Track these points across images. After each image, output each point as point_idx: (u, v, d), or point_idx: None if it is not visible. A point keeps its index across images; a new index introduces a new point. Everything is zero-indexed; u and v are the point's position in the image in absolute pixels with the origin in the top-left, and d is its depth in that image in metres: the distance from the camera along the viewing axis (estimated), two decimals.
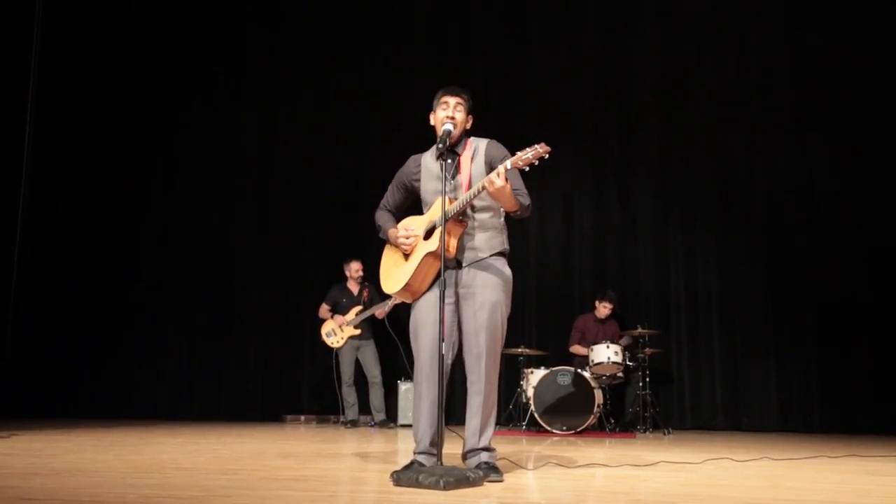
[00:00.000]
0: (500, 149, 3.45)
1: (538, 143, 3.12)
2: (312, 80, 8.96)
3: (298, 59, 8.99)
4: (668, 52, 8.29)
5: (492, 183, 3.12)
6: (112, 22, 9.13)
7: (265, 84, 8.99)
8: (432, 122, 3.48)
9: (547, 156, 3.11)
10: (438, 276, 3.32)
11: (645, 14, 8.39)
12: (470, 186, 3.34)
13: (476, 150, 3.45)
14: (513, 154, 3.22)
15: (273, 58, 9.01)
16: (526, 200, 3.36)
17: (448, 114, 3.38)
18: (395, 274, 3.48)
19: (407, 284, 3.38)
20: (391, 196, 3.65)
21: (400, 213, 3.66)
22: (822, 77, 7.86)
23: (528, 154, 3.12)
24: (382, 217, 3.63)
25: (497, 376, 3.38)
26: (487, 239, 3.40)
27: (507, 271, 3.45)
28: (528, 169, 3.16)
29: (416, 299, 3.43)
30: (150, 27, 9.18)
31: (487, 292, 3.34)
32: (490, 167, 3.35)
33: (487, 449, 3.33)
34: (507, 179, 3.14)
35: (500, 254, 3.44)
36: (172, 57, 9.08)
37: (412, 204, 3.66)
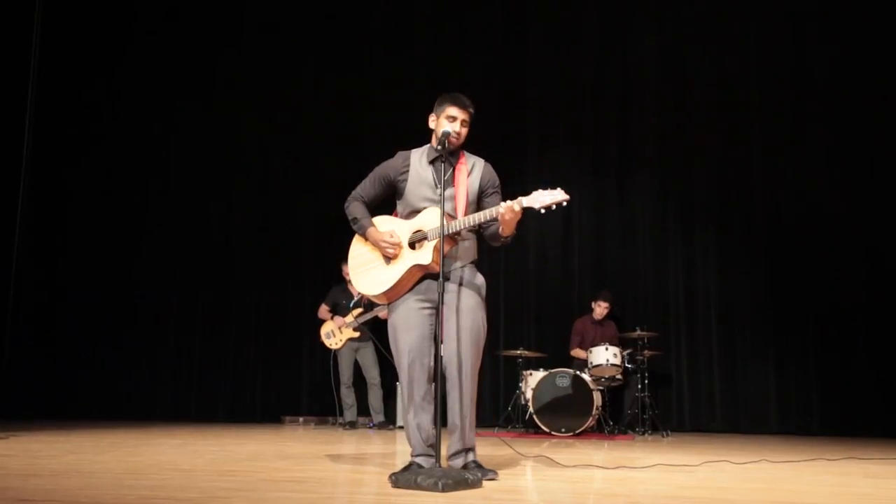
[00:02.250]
0: (493, 176, 3.51)
1: (556, 188, 3.19)
2: (311, 81, 8.96)
3: (297, 60, 8.99)
4: (668, 53, 8.29)
5: (511, 210, 3.17)
6: (110, 25, 9.14)
7: (264, 85, 8.98)
8: (431, 125, 3.46)
9: (565, 204, 3.19)
10: (418, 283, 3.37)
11: (645, 14, 8.39)
12: (467, 202, 3.38)
13: (474, 167, 3.47)
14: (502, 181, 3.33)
15: (271, 58, 9.00)
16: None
17: (455, 129, 3.38)
18: (371, 274, 3.45)
19: (387, 290, 3.38)
20: (371, 188, 3.55)
21: (374, 206, 3.59)
22: (823, 79, 7.86)
23: (547, 199, 3.19)
24: (359, 209, 3.54)
25: (477, 378, 3.40)
26: (465, 249, 3.44)
27: (481, 277, 3.49)
28: (543, 212, 3.21)
29: (390, 302, 3.44)
30: (147, 29, 9.18)
31: (467, 299, 3.37)
32: (481, 191, 3.43)
33: (472, 448, 3.38)
34: (522, 211, 3.21)
35: (473, 262, 3.49)
36: (171, 58, 9.08)
37: (387, 199, 3.60)
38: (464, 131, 3.40)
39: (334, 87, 8.83)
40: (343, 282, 7.74)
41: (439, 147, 3.32)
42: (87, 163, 8.98)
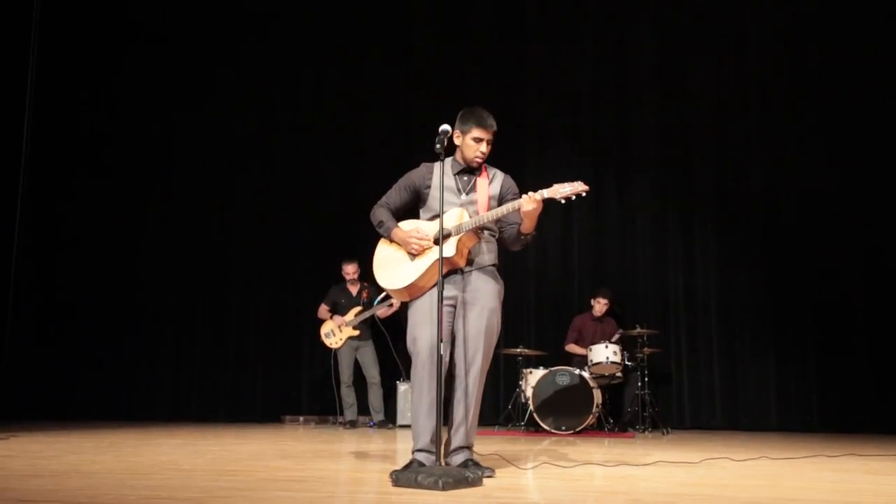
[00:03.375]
0: (513, 185, 3.65)
1: (576, 180, 3.32)
2: (311, 82, 8.95)
3: (296, 62, 8.97)
4: (667, 52, 8.27)
5: (531, 199, 3.31)
6: (109, 27, 9.12)
7: (263, 86, 8.97)
8: (456, 142, 3.55)
9: (584, 194, 3.32)
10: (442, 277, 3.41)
11: (644, 14, 8.38)
12: (488, 205, 3.50)
13: (494, 176, 3.63)
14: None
15: (271, 60, 8.98)
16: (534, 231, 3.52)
17: (482, 150, 3.51)
18: (396, 271, 3.54)
19: (411, 284, 3.47)
20: (396, 196, 3.68)
21: (398, 215, 3.69)
22: (821, 77, 7.84)
23: (567, 189, 3.33)
24: (384, 214, 3.67)
25: (484, 379, 3.50)
26: (488, 251, 3.57)
27: (501, 281, 3.61)
28: (563, 202, 3.33)
29: (412, 299, 3.51)
30: (148, 29, 9.16)
31: (486, 299, 3.49)
32: (501, 197, 3.55)
33: (471, 447, 3.45)
34: (543, 202, 3.34)
35: (495, 265, 3.61)
36: (170, 59, 9.06)
37: (411, 208, 3.72)
38: (488, 149, 3.54)
39: (334, 87, 8.81)
40: (343, 282, 7.75)
41: (438, 146, 3.37)
42: (87, 162, 8.97)
